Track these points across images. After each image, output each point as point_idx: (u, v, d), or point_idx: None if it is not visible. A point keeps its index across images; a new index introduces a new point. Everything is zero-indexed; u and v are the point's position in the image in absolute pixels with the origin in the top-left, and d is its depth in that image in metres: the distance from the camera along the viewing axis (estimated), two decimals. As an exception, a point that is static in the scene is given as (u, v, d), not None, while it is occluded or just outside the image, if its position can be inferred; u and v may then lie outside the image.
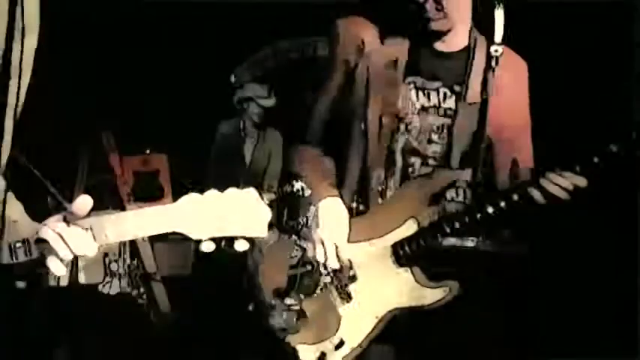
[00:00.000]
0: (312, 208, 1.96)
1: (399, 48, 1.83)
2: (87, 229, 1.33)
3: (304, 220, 5.26)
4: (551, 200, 1.65)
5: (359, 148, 1.82)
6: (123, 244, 4.64)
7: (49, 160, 5.11)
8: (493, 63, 1.73)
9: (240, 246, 1.11)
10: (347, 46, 1.86)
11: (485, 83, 1.76)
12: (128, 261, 4.72)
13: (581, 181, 1.65)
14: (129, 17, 5.09)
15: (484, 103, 1.75)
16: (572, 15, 4.27)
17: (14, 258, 1.37)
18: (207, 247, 1.11)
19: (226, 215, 1.30)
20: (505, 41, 1.79)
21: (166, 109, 5.41)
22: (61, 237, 1.33)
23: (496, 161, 1.84)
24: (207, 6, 4.86)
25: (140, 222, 1.34)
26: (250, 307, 4.46)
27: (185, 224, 1.32)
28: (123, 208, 4.29)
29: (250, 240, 1.24)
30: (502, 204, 1.69)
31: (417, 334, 1.80)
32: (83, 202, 1.37)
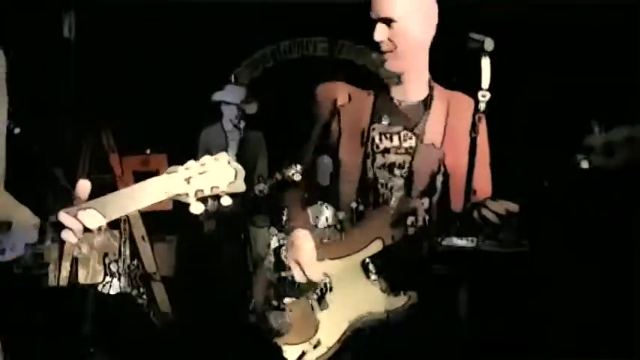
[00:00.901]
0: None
1: (365, 103, 2.24)
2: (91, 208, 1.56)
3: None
4: (484, 222, 1.96)
5: (336, 181, 2.22)
6: (123, 244, 4.63)
7: (48, 160, 5.11)
8: (482, 107, 1.99)
9: (226, 201, 1.25)
10: (323, 108, 2.33)
11: (444, 128, 2.14)
12: (128, 261, 4.73)
13: (513, 207, 1.93)
14: (129, 17, 5.10)
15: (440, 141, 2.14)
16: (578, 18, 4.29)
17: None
18: (197, 208, 1.23)
19: (207, 177, 1.54)
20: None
21: (166, 109, 5.41)
22: (74, 217, 1.56)
23: (452, 191, 2.14)
24: (208, 6, 4.87)
25: (135, 195, 1.55)
26: (251, 307, 4.48)
27: (174, 189, 1.54)
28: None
29: (233, 195, 1.42)
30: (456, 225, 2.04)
31: (379, 338, 2.12)
32: (84, 185, 1.60)
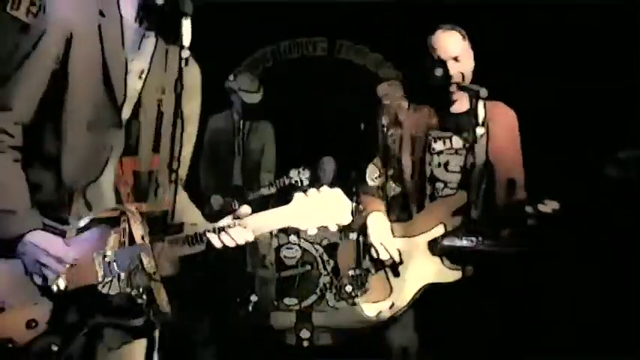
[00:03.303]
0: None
1: (423, 113, 2.73)
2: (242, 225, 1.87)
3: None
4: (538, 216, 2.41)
5: (400, 181, 2.72)
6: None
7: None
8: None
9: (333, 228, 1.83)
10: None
11: (487, 132, 2.61)
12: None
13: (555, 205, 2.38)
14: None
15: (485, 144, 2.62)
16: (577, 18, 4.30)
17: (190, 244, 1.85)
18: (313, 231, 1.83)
19: (323, 209, 1.84)
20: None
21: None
22: (227, 231, 1.86)
23: (497, 180, 2.61)
24: (208, 6, 4.86)
25: (269, 219, 1.87)
26: (250, 308, 4.49)
27: (298, 220, 1.85)
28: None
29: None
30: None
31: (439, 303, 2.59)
32: (245, 209, 1.89)
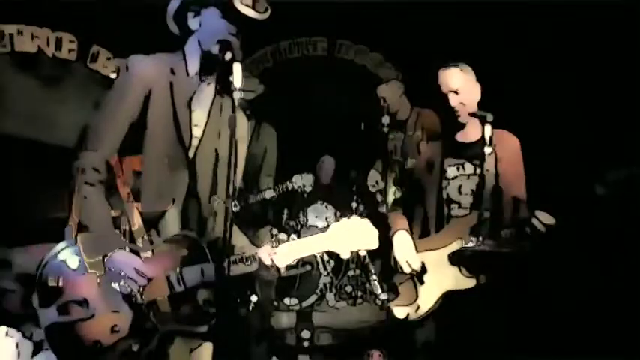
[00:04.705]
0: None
1: (437, 144, 3.11)
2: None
3: (304, 220, 5.26)
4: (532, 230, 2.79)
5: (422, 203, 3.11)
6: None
7: (47, 160, 5.12)
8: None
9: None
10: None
11: (495, 158, 2.95)
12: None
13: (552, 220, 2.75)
14: (129, 17, 5.11)
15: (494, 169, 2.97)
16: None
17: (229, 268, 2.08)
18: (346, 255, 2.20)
19: (355, 236, 2.18)
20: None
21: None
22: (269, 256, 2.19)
23: (503, 200, 2.95)
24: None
25: (309, 245, 2.21)
26: (250, 308, 4.49)
27: (334, 245, 2.19)
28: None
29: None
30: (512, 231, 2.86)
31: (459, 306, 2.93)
32: (282, 236, 2.28)
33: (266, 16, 2.33)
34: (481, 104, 3.00)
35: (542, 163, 3.60)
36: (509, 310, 2.88)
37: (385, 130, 4.39)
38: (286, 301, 4.75)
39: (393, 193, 3.80)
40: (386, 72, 5.74)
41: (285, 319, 4.67)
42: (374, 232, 2.19)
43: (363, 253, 2.09)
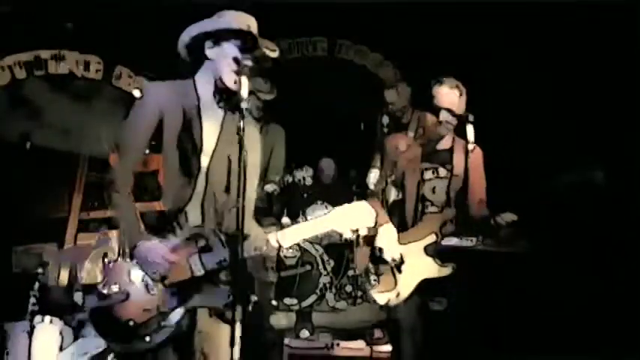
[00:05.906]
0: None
1: (418, 150, 3.43)
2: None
3: (304, 220, 5.24)
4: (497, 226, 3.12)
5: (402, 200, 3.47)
6: (122, 244, 4.64)
7: (47, 160, 5.13)
8: (469, 147, 3.25)
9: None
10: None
11: (465, 164, 3.35)
12: (127, 261, 4.71)
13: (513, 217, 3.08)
14: (130, 17, 5.11)
15: (465, 174, 3.38)
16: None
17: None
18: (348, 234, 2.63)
19: (354, 216, 2.42)
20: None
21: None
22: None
23: (470, 200, 3.32)
24: (208, 6, 4.86)
25: (312, 226, 2.45)
26: (250, 308, 4.49)
27: (336, 225, 2.42)
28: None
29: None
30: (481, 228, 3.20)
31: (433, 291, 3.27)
32: (285, 220, 2.51)
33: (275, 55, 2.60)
34: (481, 104, 3.13)
35: (542, 163, 3.68)
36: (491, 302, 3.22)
37: (385, 130, 4.39)
38: (286, 301, 4.77)
39: (394, 194, 3.81)
40: (386, 72, 5.75)
41: (284, 319, 4.69)
42: (372, 213, 2.43)
43: (363, 232, 2.46)
